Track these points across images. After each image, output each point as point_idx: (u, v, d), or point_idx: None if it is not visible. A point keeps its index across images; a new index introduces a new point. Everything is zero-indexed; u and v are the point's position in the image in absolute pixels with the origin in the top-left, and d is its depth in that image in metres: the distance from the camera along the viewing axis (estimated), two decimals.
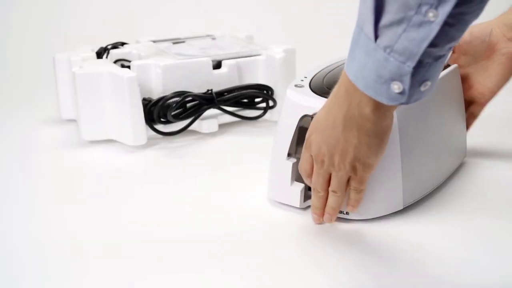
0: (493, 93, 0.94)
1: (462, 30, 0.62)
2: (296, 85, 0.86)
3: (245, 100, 1.12)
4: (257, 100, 1.13)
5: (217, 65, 1.12)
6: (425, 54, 0.62)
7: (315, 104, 0.81)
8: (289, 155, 0.83)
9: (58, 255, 0.76)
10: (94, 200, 0.89)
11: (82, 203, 0.88)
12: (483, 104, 0.95)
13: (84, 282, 0.71)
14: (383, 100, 0.66)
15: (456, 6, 0.59)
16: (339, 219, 0.81)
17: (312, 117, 0.81)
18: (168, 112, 1.03)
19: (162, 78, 1.07)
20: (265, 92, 1.11)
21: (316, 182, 0.77)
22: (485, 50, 0.92)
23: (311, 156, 0.76)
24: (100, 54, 1.16)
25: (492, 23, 0.93)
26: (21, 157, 1.04)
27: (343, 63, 0.91)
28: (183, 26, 1.48)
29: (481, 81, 0.93)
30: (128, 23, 1.58)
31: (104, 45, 1.17)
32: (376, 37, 0.64)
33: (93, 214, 0.85)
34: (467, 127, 0.96)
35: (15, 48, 1.54)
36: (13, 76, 1.43)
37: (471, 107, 0.95)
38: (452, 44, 0.63)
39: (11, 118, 1.21)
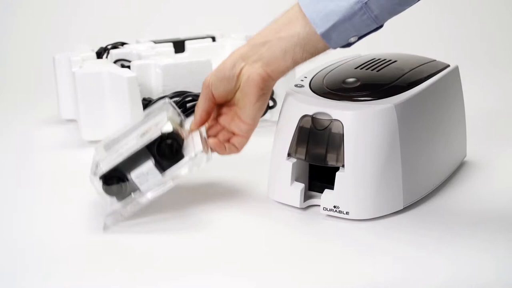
0: (250, 126, 0.83)
1: None
2: (296, 85, 0.86)
3: None
4: None
5: None
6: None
7: (315, 104, 0.81)
8: (289, 155, 0.83)
9: (58, 255, 0.76)
10: (94, 200, 0.89)
11: (82, 203, 0.88)
12: (246, 138, 0.84)
13: (85, 282, 0.71)
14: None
15: None
16: (339, 219, 0.81)
17: (312, 117, 0.81)
18: None
19: (162, 78, 1.07)
20: None
21: None
22: (235, 86, 0.81)
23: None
24: (100, 54, 1.16)
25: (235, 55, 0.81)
26: (21, 157, 1.04)
27: (343, 63, 0.91)
28: (183, 26, 1.48)
29: (241, 116, 0.82)
30: (128, 23, 1.59)
31: (104, 45, 1.17)
32: None
33: (93, 214, 0.85)
34: (221, 151, 0.85)
35: (15, 48, 1.54)
36: (13, 76, 1.43)
37: (233, 139, 0.84)
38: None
39: (11, 118, 1.21)
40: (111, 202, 0.80)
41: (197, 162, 0.80)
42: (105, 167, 0.80)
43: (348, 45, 0.77)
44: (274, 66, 0.78)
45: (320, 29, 0.75)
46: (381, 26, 0.76)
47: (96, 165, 0.83)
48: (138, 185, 0.79)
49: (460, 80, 0.93)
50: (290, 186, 0.83)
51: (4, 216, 0.86)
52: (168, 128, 0.79)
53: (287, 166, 0.83)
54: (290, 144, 0.83)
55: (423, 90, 0.83)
